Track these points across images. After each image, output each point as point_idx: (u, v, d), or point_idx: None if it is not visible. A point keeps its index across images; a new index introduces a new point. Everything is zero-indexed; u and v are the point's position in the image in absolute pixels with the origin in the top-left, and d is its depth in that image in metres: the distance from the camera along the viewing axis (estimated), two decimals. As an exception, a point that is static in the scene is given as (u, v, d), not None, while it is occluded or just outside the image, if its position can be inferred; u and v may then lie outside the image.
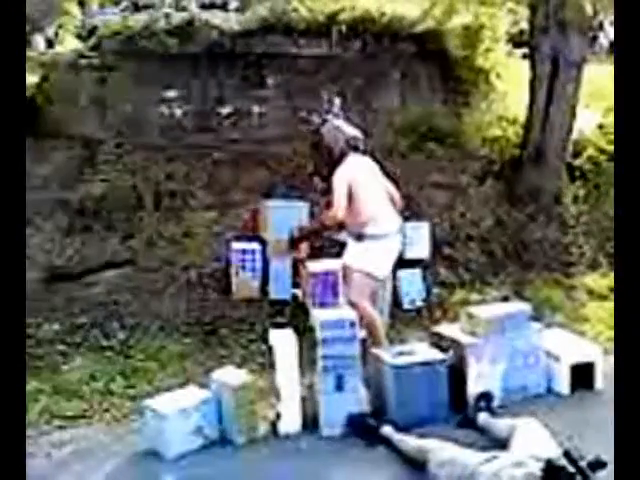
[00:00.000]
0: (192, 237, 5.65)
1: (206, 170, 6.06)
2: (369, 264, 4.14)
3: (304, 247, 4.92)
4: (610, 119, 6.90)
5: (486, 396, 3.67)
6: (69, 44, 6.98)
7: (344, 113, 4.57)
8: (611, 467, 2.42)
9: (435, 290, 5.39)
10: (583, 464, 2.45)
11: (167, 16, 6.50)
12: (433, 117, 6.65)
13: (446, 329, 4.05)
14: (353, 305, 4.00)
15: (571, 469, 2.44)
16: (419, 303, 5.24)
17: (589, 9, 6.17)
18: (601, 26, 9.71)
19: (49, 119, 6.18)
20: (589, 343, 4.34)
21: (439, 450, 3.09)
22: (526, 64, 6.61)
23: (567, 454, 2.49)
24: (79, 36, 7.06)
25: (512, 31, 7.87)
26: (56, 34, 7.08)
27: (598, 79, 7.15)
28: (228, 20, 6.48)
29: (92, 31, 6.65)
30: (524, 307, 4.10)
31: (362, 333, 3.91)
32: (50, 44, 7.03)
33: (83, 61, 6.39)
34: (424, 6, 6.78)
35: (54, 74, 6.38)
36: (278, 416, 3.61)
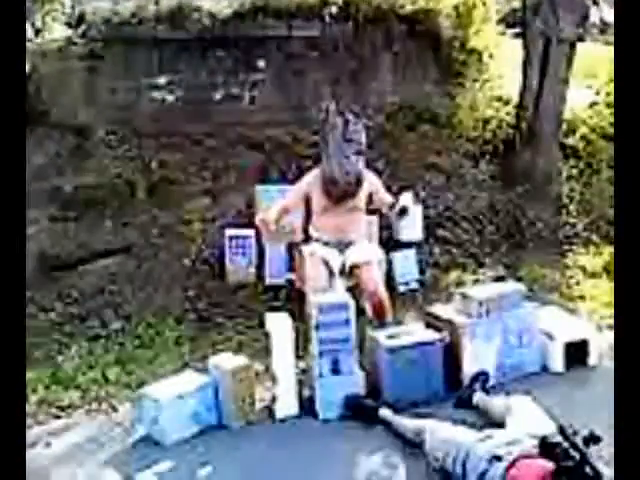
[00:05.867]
0: (186, 224, 5.64)
1: (199, 156, 6.03)
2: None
3: (298, 232, 4.93)
4: (602, 97, 6.90)
5: (481, 375, 3.69)
6: (58, 32, 6.93)
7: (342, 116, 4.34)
8: (611, 450, 2.43)
9: (429, 271, 5.41)
10: (577, 439, 2.46)
11: (156, 2, 6.45)
12: (426, 98, 6.63)
13: (440, 310, 4.06)
14: (372, 294, 4.12)
15: (566, 445, 2.45)
16: (413, 284, 5.25)
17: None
18: (595, 2, 9.63)
19: (39, 108, 6.12)
20: (583, 321, 4.37)
21: (435, 430, 3.10)
22: (518, 43, 6.59)
23: (561, 430, 2.50)
24: (68, 24, 6.99)
25: (504, 10, 7.85)
26: (43, 22, 7.01)
27: (590, 57, 7.13)
28: (218, 4, 6.43)
29: (81, 18, 6.59)
30: (518, 287, 4.12)
31: None
32: (37, 32, 6.97)
33: (73, 49, 6.34)
34: (414, -14, 6.74)
35: (43, 62, 6.32)
36: (275, 400, 3.63)
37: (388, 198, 4.33)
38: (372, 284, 4.14)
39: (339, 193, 4.10)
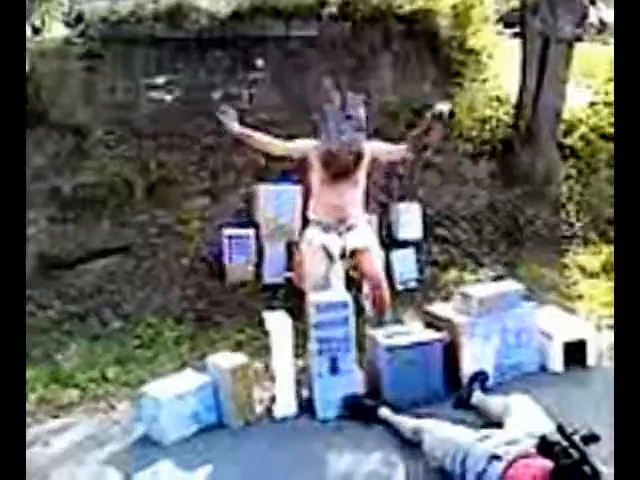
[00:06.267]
0: (185, 223, 5.64)
1: (198, 155, 6.03)
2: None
3: (296, 231, 4.94)
4: (600, 97, 6.91)
5: (480, 375, 3.70)
6: (56, 31, 6.92)
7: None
8: (606, 447, 2.43)
9: (428, 270, 5.41)
10: (576, 438, 2.46)
11: (155, 1, 6.45)
12: (425, 98, 6.62)
13: (439, 309, 4.07)
14: (373, 279, 4.10)
15: (565, 444, 2.46)
16: (412, 283, 5.26)
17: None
18: (593, 2, 9.63)
19: (37, 108, 6.12)
20: (581, 321, 4.38)
21: (434, 430, 3.11)
22: (517, 43, 6.60)
23: (560, 429, 2.50)
24: (67, 23, 6.99)
25: (503, 10, 7.86)
26: (42, 21, 7.00)
27: (589, 57, 7.14)
28: (217, 3, 6.43)
29: (79, 17, 6.59)
30: (517, 286, 4.12)
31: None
32: (36, 31, 6.96)
33: (71, 48, 6.34)
34: (413, -14, 6.75)
35: (42, 62, 6.32)
36: (274, 399, 3.63)
37: (397, 147, 4.26)
38: (373, 269, 4.14)
39: (339, 167, 4.07)
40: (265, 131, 4.49)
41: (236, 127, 4.21)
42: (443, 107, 4.04)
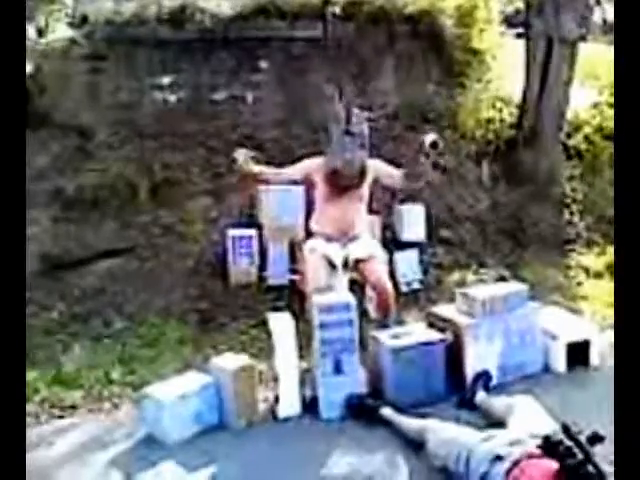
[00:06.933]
0: (189, 224, 5.65)
1: (201, 156, 6.04)
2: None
3: (300, 231, 4.94)
4: (605, 97, 6.90)
5: (484, 375, 3.69)
6: (61, 33, 6.93)
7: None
8: (610, 447, 2.42)
9: (432, 271, 5.40)
10: (581, 438, 2.46)
11: (158, 2, 6.46)
12: (428, 98, 6.63)
13: (443, 310, 4.06)
14: (377, 286, 4.09)
15: (569, 443, 2.45)
16: (416, 284, 5.26)
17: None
18: (598, 2, 9.61)
19: (42, 109, 6.14)
20: (585, 321, 4.38)
21: (438, 430, 3.10)
22: (521, 44, 6.59)
23: (565, 429, 2.49)
24: (71, 24, 7.01)
25: (506, 11, 7.86)
26: (46, 22, 7.03)
27: (593, 57, 7.13)
28: (220, 4, 6.44)
29: (84, 19, 6.61)
30: (520, 287, 4.11)
31: None
32: (40, 33, 6.99)
33: (76, 49, 6.36)
34: (417, -14, 6.75)
35: (47, 63, 6.34)
36: (277, 400, 3.63)
37: (397, 172, 4.28)
38: (378, 277, 4.13)
39: (343, 184, 4.10)
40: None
41: (253, 168, 4.24)
42: (428, 138, 4.07)
